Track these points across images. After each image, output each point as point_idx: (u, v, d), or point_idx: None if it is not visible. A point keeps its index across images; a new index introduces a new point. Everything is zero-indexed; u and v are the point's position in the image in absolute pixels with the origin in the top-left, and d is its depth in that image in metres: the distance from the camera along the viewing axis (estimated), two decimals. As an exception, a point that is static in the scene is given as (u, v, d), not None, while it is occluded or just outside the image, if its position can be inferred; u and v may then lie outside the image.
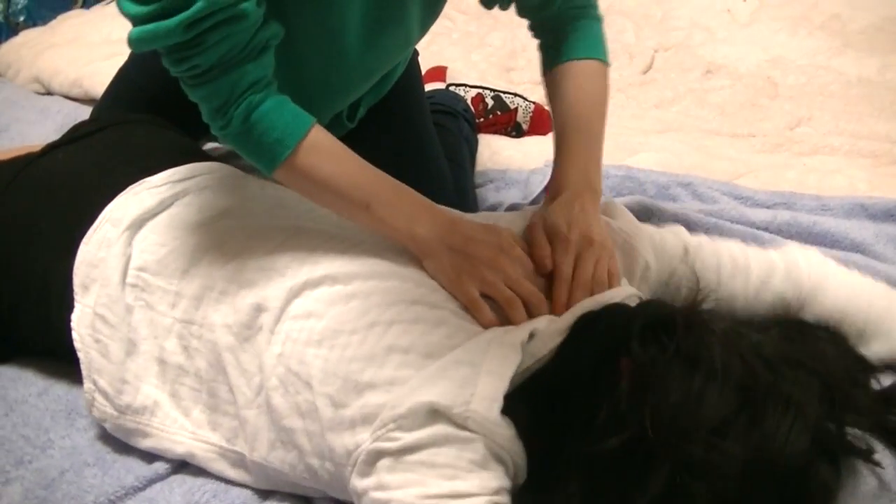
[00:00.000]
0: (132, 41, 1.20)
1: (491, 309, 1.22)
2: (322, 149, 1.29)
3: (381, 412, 1.09)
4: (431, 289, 1.24)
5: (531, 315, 1.22)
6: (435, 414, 1.07)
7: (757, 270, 1.38)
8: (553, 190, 1.40)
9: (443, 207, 1.32)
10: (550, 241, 1.29)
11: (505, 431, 1.08)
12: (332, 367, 1.15)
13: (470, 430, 1.06)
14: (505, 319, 1.22)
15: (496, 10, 1.52)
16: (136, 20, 1.18)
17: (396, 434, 1.08)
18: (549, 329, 1.16)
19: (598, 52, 1.47)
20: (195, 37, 1.18)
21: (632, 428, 1.01)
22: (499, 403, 1.08)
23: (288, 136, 1.26)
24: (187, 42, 1.19)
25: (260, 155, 1.28)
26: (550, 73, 1.49)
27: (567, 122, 1.44)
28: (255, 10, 1.22)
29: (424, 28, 1.60)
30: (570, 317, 1.18)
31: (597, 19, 1.49)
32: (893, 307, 1.36)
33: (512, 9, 1.51)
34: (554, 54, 1.48)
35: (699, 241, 1.42)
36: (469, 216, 1.37)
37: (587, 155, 1.42)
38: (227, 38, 1.20)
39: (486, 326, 1.21)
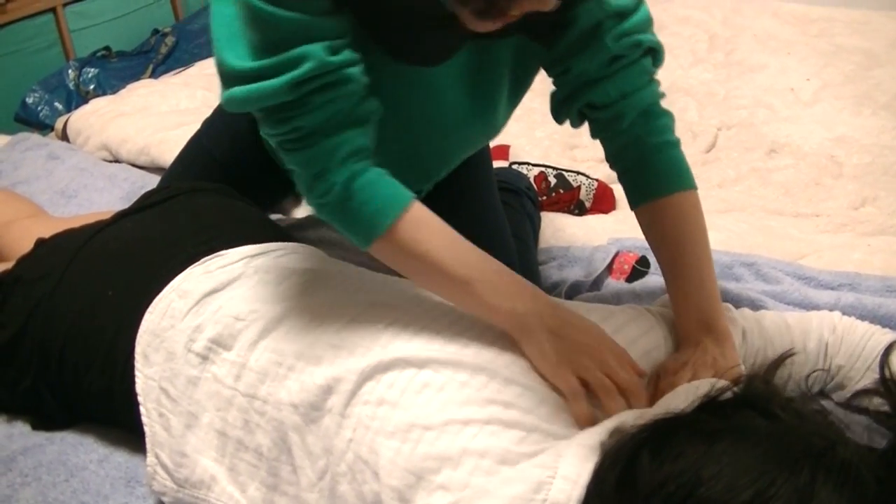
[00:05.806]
0: (234, 100, 1.19)
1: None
2: (424, 223, 1.26)
3: None
4: (503, 383, 1.18)
5: (629, 406, 1.19)
6: None
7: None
8: (676, 336, 1.39)
9: (541, 291, 1.30)
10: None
11: None
12: (402, 460, 1.11)
13: None
14: (600, 408, 1.19)
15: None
16: (242, 77, 1.18)
17: None
18: (635, 425, 1.09)
19: (688, 182, 1.44)
20: (301, 97, 1.18)
21: None
22: None
23: (389, 207, 1.24)
24: (292, 102, 1.19)
25: (358, 226, 1.26)
26: (643, 210, 1.47)
27: (676, 266, 1.43)
28: (360, 77, 1.22)
29: (507, 118, 1.61)
30: (657, 411, 1.11)
31: (676, 146, 1.45)
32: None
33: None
34: (644, 191, 1.46)
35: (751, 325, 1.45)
36: (569, 303, 1.36)
37: (705, 296, 1.40)
38: (333, 102, 1.21)
39: (580, 420, 1.17)
